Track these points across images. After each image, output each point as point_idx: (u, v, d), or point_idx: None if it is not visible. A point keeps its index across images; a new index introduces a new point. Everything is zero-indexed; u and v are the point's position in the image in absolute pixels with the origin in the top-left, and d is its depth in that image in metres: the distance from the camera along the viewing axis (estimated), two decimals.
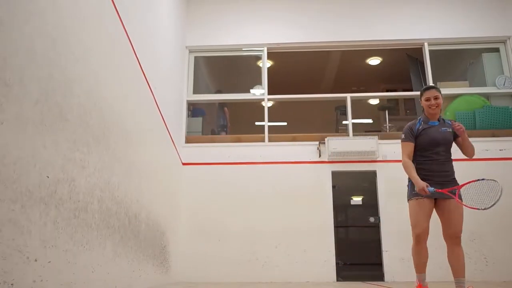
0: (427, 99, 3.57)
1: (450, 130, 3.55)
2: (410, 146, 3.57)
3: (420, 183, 3.33)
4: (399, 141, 3.67)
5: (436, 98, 3.54)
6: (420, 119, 3.66)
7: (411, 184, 3.54)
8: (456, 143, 3.61)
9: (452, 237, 3.36)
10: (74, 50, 3.11)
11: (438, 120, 3.59)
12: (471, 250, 6.38)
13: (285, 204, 6.80)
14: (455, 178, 3.50)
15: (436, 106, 3.54)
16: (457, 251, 3.36)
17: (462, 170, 6.97)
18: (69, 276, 2.89)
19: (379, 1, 7.91)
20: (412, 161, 3.55)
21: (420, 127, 3.58)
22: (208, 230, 6.76)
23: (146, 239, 4.82)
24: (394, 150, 6.63)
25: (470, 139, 7.51)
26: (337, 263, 6.61)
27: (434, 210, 3.52)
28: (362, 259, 6.98)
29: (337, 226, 6.86)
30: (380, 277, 6.54)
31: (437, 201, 3.47)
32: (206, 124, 8.11)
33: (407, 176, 3.60)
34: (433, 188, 3.28)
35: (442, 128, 3.55)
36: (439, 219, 3.50)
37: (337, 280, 6.51)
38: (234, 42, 7.83)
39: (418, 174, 3.44)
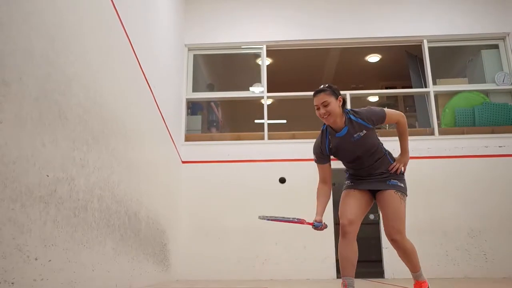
0: (317, 108, 2.78)
1: (365, 131, 2.80)
2: (324, 168, 2.98)
3: (315, 217, 2.88)
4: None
5: (325, 105, 2.73)
6: (326, 131, 2.91)
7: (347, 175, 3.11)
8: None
9: (387, 234, 2.89)
10: (73, 49, 3.11)
11: (346, 124, 2.81)
12: (470, 247, 6.40)
13: (284, 201, 6.80)
14: (385, 171, 2.97)
15: (328, 115, 2.74)
16: (402, 250, 2.87)
17: (462, 168, 6.96)
18: (69, 275, 2.90)
19: None
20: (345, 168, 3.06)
21: (330, 145, 2.91)
22: (208, 228, 6.76)
23: (146, 237, 4.83)
24: (394, 147, 6.61)
25: (470, 136, 7.44)
26: (337, 260, 6.62)
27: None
28: (362, 256, 6.89)
29: (337, 224, 6.86)
30: (380, 274, 6.56)
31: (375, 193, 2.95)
32: (205, 122, 8.10)
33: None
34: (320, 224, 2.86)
35: (354, 136, 2.82)
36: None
37: (337, 277, 6.52)
38: (233, 40, 7.82)
39: (350, 177, 3.05)
